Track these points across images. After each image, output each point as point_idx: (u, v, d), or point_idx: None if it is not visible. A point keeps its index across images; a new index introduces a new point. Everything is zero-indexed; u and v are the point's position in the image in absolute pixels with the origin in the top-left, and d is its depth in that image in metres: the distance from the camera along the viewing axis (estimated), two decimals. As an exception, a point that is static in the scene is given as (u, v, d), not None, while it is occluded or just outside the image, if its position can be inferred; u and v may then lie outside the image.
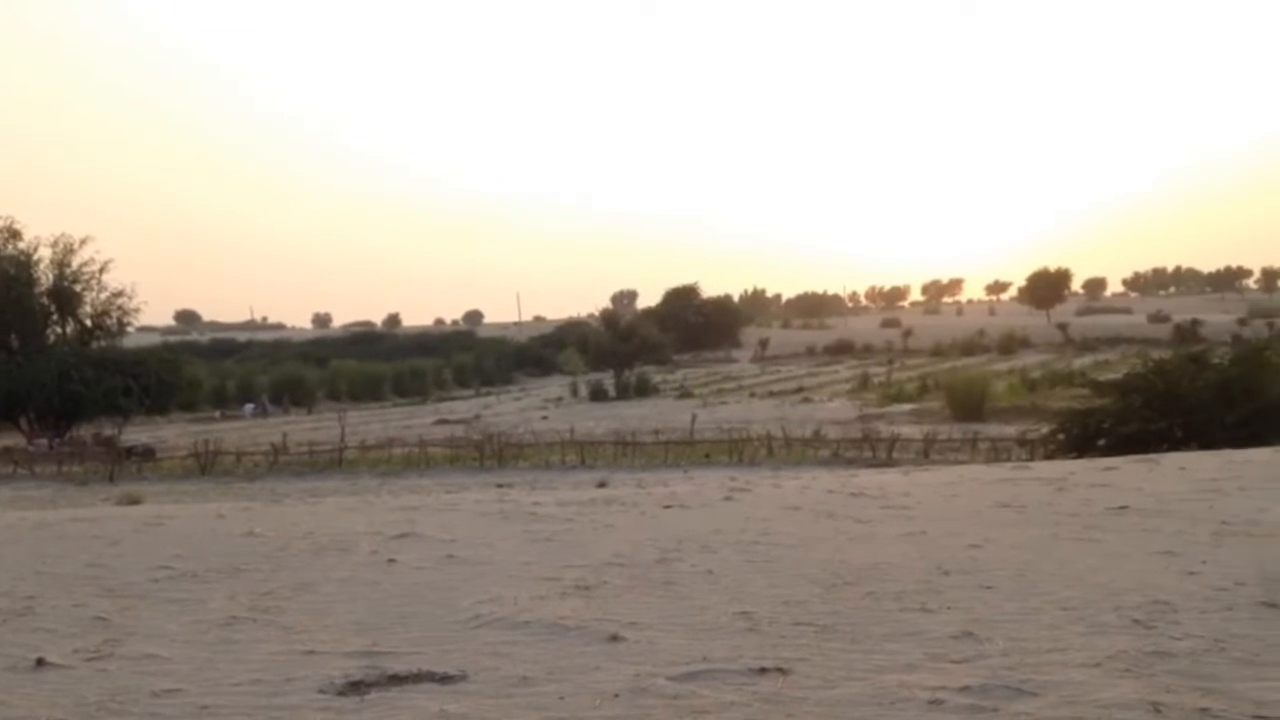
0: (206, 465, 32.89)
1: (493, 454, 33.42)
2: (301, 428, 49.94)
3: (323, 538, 6.55)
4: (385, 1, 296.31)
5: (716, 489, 9.84)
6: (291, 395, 67.84)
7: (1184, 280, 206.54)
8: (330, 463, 33.68)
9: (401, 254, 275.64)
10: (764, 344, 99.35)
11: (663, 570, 5.16)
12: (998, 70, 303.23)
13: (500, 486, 21.36)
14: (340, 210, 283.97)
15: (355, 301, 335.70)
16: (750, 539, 6.11)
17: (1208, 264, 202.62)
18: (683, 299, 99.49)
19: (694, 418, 41.14)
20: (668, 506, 7.93)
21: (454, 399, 70.85)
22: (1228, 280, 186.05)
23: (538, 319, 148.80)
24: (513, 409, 59.21)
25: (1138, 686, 3.03)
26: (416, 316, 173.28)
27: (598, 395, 63.31)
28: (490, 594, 4.61)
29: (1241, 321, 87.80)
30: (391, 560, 5.62)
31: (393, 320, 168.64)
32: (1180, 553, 5.31)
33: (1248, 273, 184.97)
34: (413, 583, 4.99)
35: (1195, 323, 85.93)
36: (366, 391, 72.93)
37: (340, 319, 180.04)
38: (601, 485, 19.28)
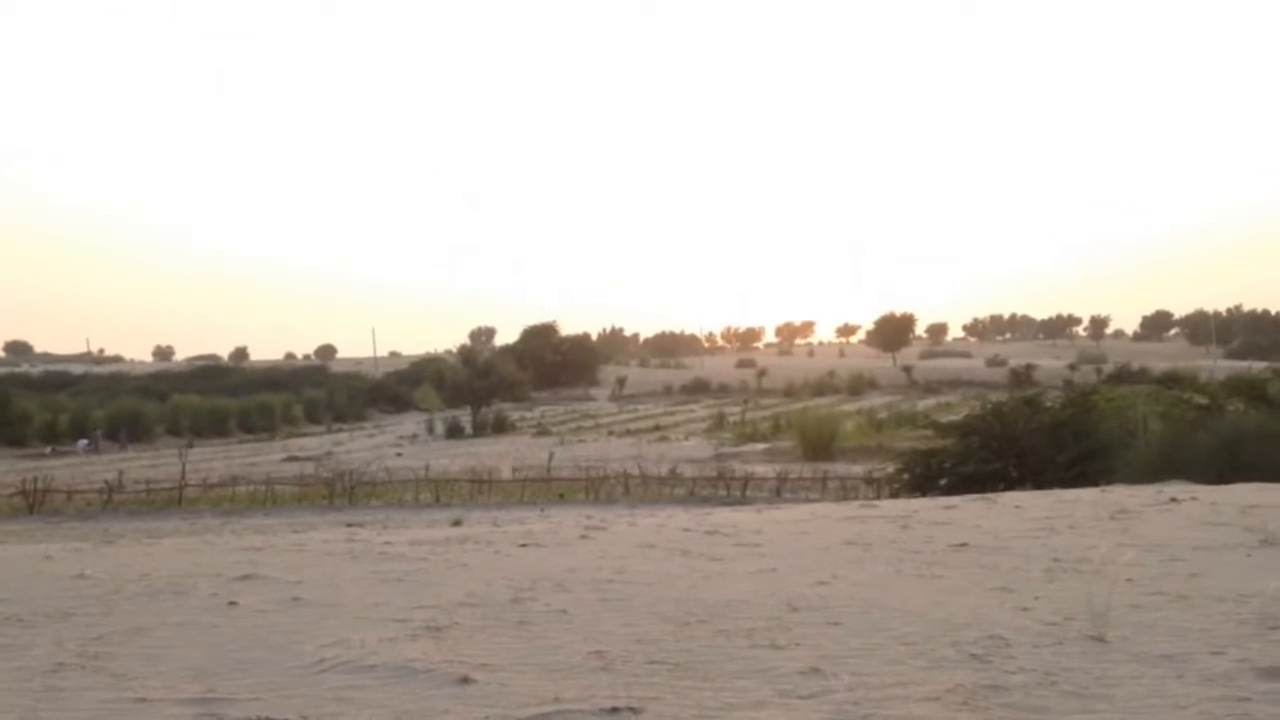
0: (35, 504, 31.17)
1: (343, 492, 32.68)
2: (139, 464, 47.86)
3: (159, 580, 6.25)
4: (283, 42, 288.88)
5: (573, 527, 9.81)
6: (129, 430, 64.88)
7: (1019, 327, 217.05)
8: (169, 501, 32.36)
9: (250, 285, 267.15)
10: (621, 382, 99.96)
11: (516, 610, 5.11)
12: (844, 127, 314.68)
13: (350, 526, 20.82)
14: (183, 239, 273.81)
15: (199, 334, 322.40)
16: (605, 577, 6.10)
17: (1041, 312, 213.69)
18: (541, 337, 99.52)
19: (551, 456, 41.10)
20: (523, 545, 7.85)
21: (304, 435, 68.92)
22: (1059, 328, 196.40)
23: (394, 355, 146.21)
24: (366, 446, 57.96)
25: (974, 719, 3.13)
26: (265, 350, 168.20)
27: (454, 432, 62.59)
28: (336, 637, 4.47)
29: (1072, 367, 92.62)
30: (232, 603, 5.39)
31: (240, 354, 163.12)
32: (1015, 589, 5.54)
33: (1077, 320, 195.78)
34: (254, 626, 4.80)
35: (1029, 367, 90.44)
36: (210, 427, 70.36)
37: (183, 352, 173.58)
38: (456, 524, 18.97)
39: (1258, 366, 28.60)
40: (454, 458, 46.04)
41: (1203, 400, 20.73)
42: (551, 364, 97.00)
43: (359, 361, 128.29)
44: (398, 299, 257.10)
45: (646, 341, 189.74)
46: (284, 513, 29.64)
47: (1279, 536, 7.03)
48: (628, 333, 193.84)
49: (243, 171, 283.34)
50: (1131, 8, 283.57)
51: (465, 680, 3.69)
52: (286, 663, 4.06)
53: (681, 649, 4.19)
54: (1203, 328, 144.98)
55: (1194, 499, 9.90)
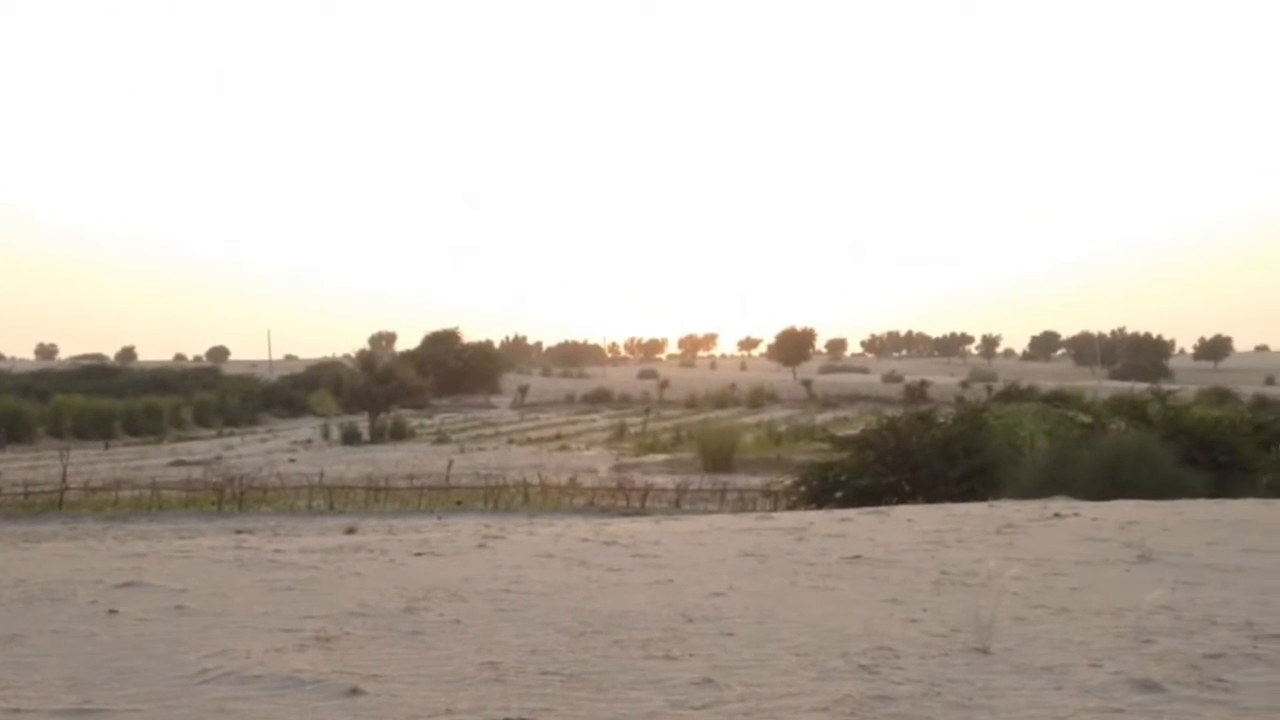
0: (-98, 506, 29.72)
1: (233, 498, 31.91)
2: (17, 466, 46.02)
3: (35, 586, 6.01)
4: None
5: (470, 536, 9.70)
6: (8, 430, 62.28)
7: (915, 344, 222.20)
8: (49, 505, 31.23)
9: (139, 281, 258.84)
10: (524, 391, 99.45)
11: (409, 620, 5.03)
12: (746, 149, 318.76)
13: (240, 533, 20.28)
14: (71, 233, 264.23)
15: (85, 332, 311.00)
16: (501, 587, 6.05)
17: (936, 329, 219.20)
18: (443, 343, 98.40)
19: (450, 463, 40.65)
20: (418, 554, 7.74)
21: (194, 439, 66.92)
22: (953, 345, 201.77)
23: (290, 358, 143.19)
24: (258, 451, 56.58)
25: (862, 728, 3.19)
26: (154, 351, 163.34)
27: (350, 438, 61.44)
28: (221, 646, 4.35)
29: (964, 384, 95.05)
30: (112, 611, 5.21)
31: (127, 354, 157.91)
32: (904, 601, 5.65)
33: (970, 339, 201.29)
34: (135, 635, 4.65)
35: (924, 384, 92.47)
36: (95, 429, 67.78)
37: (67, 350, 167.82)
38: (350, 531, 18.63)
39: (1139, 387, 29.74)
40: (350, 464, 45.22)
41: (1087, 419, 21.42)
42: (453, 371, 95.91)
43: (253, 364, 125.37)
44: (295, 300, 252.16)
45: (549, 350, 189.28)
46: (170, 518, 28.87)
47: (1155, 553, 7.29)
48: (530, 341, 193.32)
49: (136, 161, 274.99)
50: (1060, 47, 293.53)
51: (354, 691, 3.62)
52: (168, 673, 3.93)
53: (576, 660, 4.18)
54: (1088, 349, 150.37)
55: (1076, 515, 10.21)
